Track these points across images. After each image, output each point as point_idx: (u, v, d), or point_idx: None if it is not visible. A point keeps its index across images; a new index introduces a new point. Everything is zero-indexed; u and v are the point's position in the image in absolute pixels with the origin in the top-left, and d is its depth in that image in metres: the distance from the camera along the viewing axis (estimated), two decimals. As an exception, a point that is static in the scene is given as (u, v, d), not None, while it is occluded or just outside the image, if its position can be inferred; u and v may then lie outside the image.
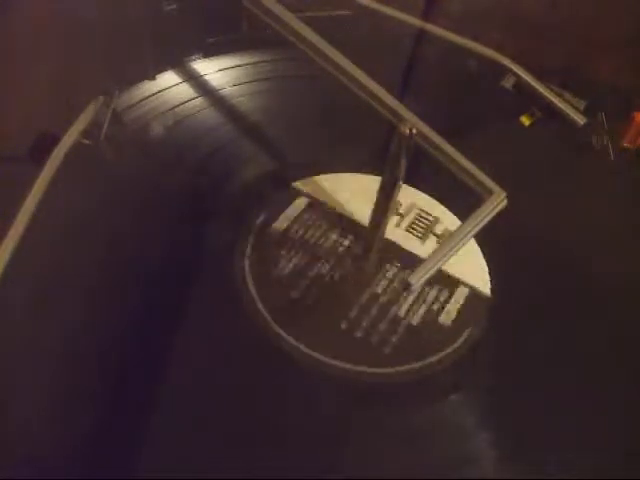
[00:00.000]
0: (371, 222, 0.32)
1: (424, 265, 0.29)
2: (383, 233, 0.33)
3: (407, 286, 0.29)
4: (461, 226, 0.31)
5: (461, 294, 0.34)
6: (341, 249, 0.35)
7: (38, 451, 0.25)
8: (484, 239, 0.35)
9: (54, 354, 0.28)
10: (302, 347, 0.30)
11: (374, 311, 0.32)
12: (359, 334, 0.31)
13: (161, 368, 0.28)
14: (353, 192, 0.37)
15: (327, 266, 0.34)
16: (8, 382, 0.26)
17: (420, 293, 0.33)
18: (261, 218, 0.35)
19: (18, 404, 0.26)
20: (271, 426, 0.28)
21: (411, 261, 0.34)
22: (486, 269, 0.35)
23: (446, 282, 0.34)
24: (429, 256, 0.30)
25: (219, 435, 0.27)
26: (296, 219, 0.36)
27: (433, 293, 0.33)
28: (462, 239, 0.30)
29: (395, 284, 0.34)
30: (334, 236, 0.35)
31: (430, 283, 0.33)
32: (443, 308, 0.33)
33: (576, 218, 0.38)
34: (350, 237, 0.35)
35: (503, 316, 0.33)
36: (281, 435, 0.27)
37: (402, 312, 0.32)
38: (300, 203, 0.37)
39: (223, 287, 0.32)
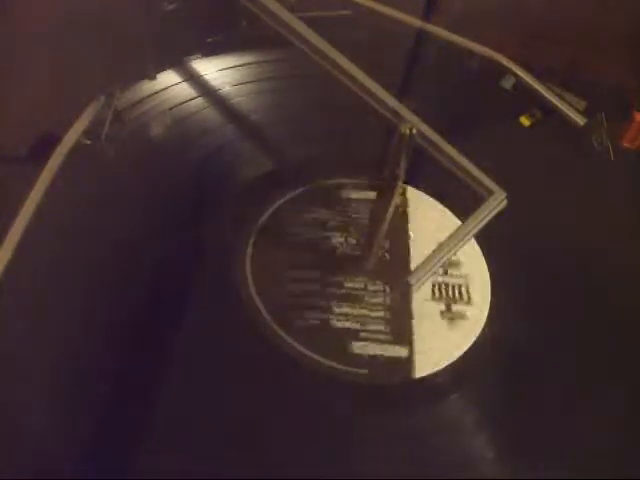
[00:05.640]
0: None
1: (424, 265, 0.29)
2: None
3: (407, 285, 0.29)
4: (461, 226, 0.31)
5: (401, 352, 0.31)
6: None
7: (38, 451, 0.25)
8: (485, 242, 0.35)
9: (55, 353, 0.28)
10: (301, 347, 0.30)
11: (346, 308, 0.32)
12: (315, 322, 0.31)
13: (161, 367, 0.28)
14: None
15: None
16: (8, 382, 0.26)
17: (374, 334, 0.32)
18: (262, 218, 0.35)
19: (18, 404, 0.26)
20: (270, 425, 0.28)
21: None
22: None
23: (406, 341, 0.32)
24: (429, 256, 0.30)
25: (218, 434, 0.27)
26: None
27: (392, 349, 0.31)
28: (462, 239, 0.31)
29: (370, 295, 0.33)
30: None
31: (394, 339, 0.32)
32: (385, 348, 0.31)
33: (576, 218, 0.38)
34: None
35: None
36: (280, 434, 0.27)
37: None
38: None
39: (223, 287, 0.32)
